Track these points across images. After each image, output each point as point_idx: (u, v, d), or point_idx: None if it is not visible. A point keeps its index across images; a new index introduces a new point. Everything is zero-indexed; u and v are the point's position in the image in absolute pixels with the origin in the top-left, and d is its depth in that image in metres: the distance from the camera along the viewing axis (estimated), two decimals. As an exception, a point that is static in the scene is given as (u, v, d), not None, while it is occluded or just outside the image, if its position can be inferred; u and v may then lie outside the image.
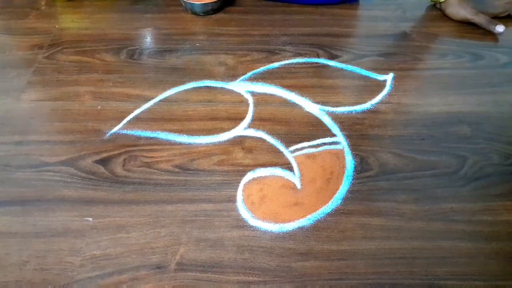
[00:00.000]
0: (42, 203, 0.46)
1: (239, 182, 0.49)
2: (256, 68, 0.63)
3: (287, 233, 0.44)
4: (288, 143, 0.53)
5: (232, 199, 0.47)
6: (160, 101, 0.58)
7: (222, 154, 0.51)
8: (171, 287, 0.40)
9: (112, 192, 0.47)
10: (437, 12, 0.76)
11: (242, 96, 0.59)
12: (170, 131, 0.54)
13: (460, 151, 0.53)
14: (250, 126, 0.55)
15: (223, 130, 0.54)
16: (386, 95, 0.60)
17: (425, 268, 0.42)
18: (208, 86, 0.60)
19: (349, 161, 0.51)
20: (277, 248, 0.43)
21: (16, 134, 0.53)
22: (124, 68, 0.62)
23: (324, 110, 0.57)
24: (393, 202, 0.47)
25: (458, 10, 0.72)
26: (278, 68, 0.64)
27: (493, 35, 0.71)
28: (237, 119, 0.56)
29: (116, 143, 0.52)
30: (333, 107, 0.58)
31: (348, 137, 0.54)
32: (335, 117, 0.56)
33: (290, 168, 0.50)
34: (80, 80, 0.60)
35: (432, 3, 0.77)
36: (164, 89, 0.59)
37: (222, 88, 0.60)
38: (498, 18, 0.73)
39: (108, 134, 0.53)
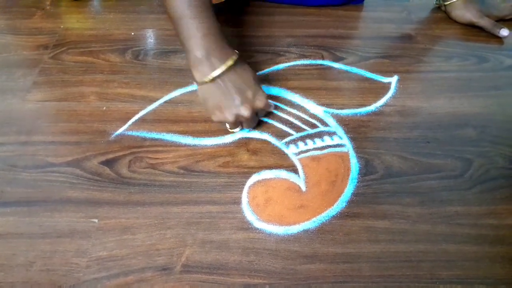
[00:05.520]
0: (48, 204, 0.46)
1: (244, 184, 0.49)
2: (260, 70, 0.63)
3: (292, 235, 0.45)
4: (292, 145, 0.53)
5: (237, 201, 0.47)
6: (165, 102, 0.58)
7: (227, 156, 0.51)
8: (177, 289, 0.40)
9: (117, 193, 0.47)
10: (442, 15, 0.76)
11: (247, 97, 0.59)
12: (175, 132, 0.54)
13: (465, 154, 0.53)
14: (255, 128, 0.55)
15: (228, 131, 0.54)
16: (391, 97, 0.60)
17: (430, 272, 0.42)
18: (213, 88, 0.60)
19: (354, 164, 0.51)
20: (282, 250, 0.43)
21: (22, 134, 0.53)
22: (129, 69, 0.63)
23: (329, 112, 0.57)
24: (398, 205, 0.47)
25: (463, 13, 0.72)
26: (283, 69, 0.64)
27: (498, 38, 0.71)
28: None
29: (122, 144, 0.52)
30: (338, 109, 0.58)
31: (353, 139, 0.54)
32: (340, 120, 0.56)
33: (295, 171, 0.50)
34: (85, 80, 0.60)
35: (437, 5, 0.77)
36: (169, 90, 0.59)
37: (227, 90, 0.60)
38: (503, 21, 0.73)
39: (114, 135, 0.53)
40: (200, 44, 0.47)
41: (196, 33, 0.47)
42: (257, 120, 0.53)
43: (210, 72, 0.47)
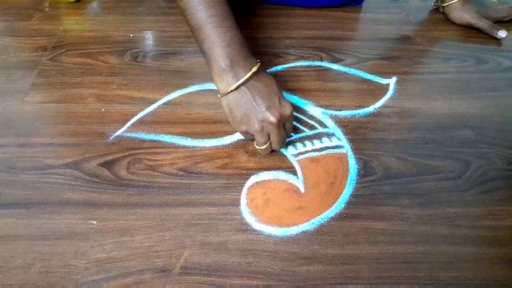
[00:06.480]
0: (47, 206, 0.46)
1: (242, 186, 0.49)
2: (259, 71, 0.63)
3: (290, 237, 0.45)
4: (291, 146, 0.53)
5: (236, 203, 0.47)
6: (164, 104, 0.58)
7: (226, 158, 0.52)
8: (176, 291, 0.40)
9: (116, 195, 0.47)
10: (441, 16, 0.77)
11: (246, 99, 0.59)
12: (174, 134, 0.54)
13: (463, 155, 0.53)
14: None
15: (226, 133, 0.54)
16: (389, 99, 0.60)
17: (429, 273, 0.42)
18: (211, 89, 0.60)
19: (353, 165, 0.51)
20: (281, 252, 0.43)
21: (20, 136, 0.53)
22: (128, 71, 0.63)
23: (327, 114, 0.57)
24: (397, 207, 0.47)
25: (461, 14, 0.72)
26: (282, 71, 0.64)
27: (496, 39, 0.71)
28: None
29: (120, 146, 0.52)
30: (336, 110, 0.58)
31: (351, 141, 0.54)
32: (338, 121, 0.56)
33: (294, 172, 0.50)
34: (84, 82, 0.60)
35: (435, 7, 0.77)
36: (168, 92, 0.59)
37: (225, 91, 0.60)
38: (501, 22, 0.74)
39: (112, 137, 0.53)
40: (223, 53, 0.46)
41: (219, 43, 0.46)
42: (285, 138, 0.50)
43: (234, 81, 0.46)
